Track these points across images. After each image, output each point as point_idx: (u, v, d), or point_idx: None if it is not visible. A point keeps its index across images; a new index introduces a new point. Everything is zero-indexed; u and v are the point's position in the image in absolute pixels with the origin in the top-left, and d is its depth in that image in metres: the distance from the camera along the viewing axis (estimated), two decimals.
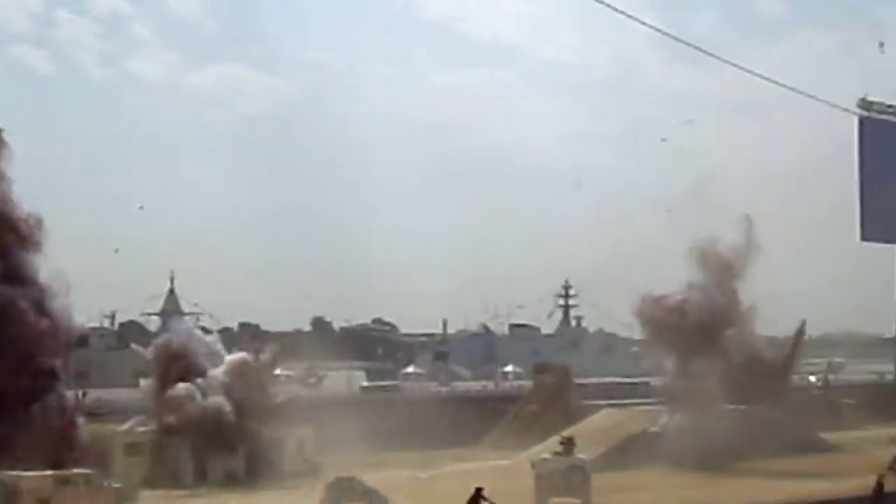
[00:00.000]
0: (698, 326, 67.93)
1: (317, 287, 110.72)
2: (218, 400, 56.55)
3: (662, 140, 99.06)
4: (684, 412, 64.25)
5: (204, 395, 56.89)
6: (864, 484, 43.64)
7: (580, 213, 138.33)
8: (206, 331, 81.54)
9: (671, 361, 68.58)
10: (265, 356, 60.59)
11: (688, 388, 64.83)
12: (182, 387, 56.63)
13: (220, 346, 62.24)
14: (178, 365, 58.32)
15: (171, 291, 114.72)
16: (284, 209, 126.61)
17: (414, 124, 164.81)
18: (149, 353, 62.73)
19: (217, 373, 58.81)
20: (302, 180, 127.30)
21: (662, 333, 69.20)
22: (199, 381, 57.45)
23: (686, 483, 54.14)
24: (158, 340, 62.71)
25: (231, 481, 54.26)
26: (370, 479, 45.01)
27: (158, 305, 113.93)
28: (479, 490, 38.65)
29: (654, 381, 79.35)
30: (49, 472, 44.55)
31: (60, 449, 47.73)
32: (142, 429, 57.32)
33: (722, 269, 68.86)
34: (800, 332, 73.18)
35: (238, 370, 58.70)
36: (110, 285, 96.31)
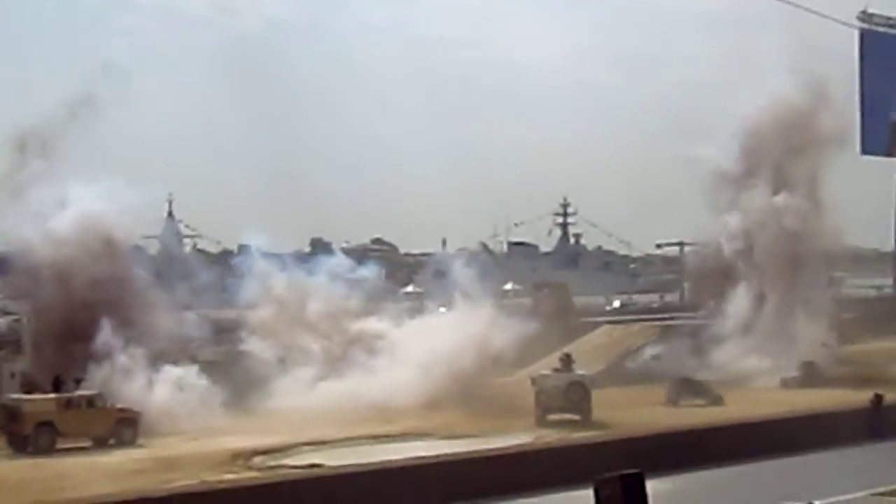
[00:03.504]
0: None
1: (315, 209, 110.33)
2: None
3: None
4: None
5: None
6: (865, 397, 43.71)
7: (579, 130, 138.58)
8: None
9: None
10: None
11: None
12: None
13: None
14: None
15: (170, 214, 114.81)
16: (278, 130, 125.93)
17: (408, 40, 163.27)
18: None
19: None
20: (296, 100, 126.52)
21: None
22: None
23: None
24: None
25: None
26: None
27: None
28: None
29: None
30: (52, 395, 44.83)
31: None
32: None
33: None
34: None
35: None
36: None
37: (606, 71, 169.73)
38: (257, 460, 39.88)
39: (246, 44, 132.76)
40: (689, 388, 54.76)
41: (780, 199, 69.21)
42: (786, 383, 58.81)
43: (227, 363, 54.35)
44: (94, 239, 53.29)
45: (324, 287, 60.47)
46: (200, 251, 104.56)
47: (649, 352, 63.42)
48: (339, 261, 64.36)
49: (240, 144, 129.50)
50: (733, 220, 69.72)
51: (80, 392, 45.41)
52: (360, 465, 32.97)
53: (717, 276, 68.68)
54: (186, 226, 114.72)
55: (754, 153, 71.30)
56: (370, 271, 64.57)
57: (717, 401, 52.93)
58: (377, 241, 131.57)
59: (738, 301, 65.75)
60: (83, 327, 49.99)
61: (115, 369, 49.03)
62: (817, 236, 68.61)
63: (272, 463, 39.52)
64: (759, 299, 66.64)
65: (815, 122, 70.65)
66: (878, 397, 42.48)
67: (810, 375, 59.30)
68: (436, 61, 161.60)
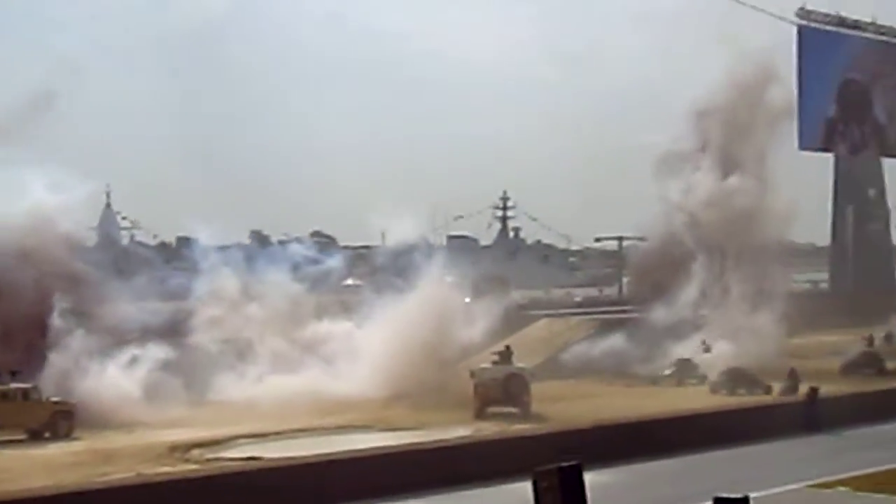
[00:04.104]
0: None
1: (253, 201, 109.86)
2: None
3: None
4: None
5: None
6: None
7: (519, 124, 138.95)
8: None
9: None
10: None
11: None
12: None
13: None
14: None
15: (108, 206, 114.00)
16: (216, 122, 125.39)
17: (349, 32, 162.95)
18: None
19: None
20: (235, 92, 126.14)
21: None
22: None
23: (627, 392, 54.77)
24: None
25: None
26: None
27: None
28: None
29: None
30: None
31: None
32: None
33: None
34: None
35: None
36: None
37: (547, 65, 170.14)
38: (195, 453, 39.68)
39: (185, 34, 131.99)
40: (740, 379, 54.53)
41: (730, 181, 69.92)
42: (655, 382, 57.71)
43: (173, 356, 54.01)
44: (46, 230, 53.25)
45: (270, 280, 60.43)
46: (138, 243, 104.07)
47: (602, 344, 63.04)
48: (287, 252, 64.41)
49: (176, 136, 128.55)
50: (680, 203, 70.33)
51: (15, 384, 45.04)
52: (295, 458, 32.93)
53: (659, 269, 69.06)
54: (124, 217, 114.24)
55: (701, 134, 72.08)
56: (331, 261, 64.78)
57: (768, 391, 52.57)
58: (316, 233, 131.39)
59: (681, 293, 66.06)
60: (37, 319, 49.96)
61: (63, 361, 48.94)
62: (766, 221, 69.33)
63: (210, 455, 39.35)
64: (703, 292, 67.01)
65: (759, 102, 71.63)
66: (814, 390, 42.87)
67: (683, 373, 58.53)
68: (377, 54, 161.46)
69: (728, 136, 71.57)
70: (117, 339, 51.58)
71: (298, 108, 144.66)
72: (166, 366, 51.37)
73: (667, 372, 58.88)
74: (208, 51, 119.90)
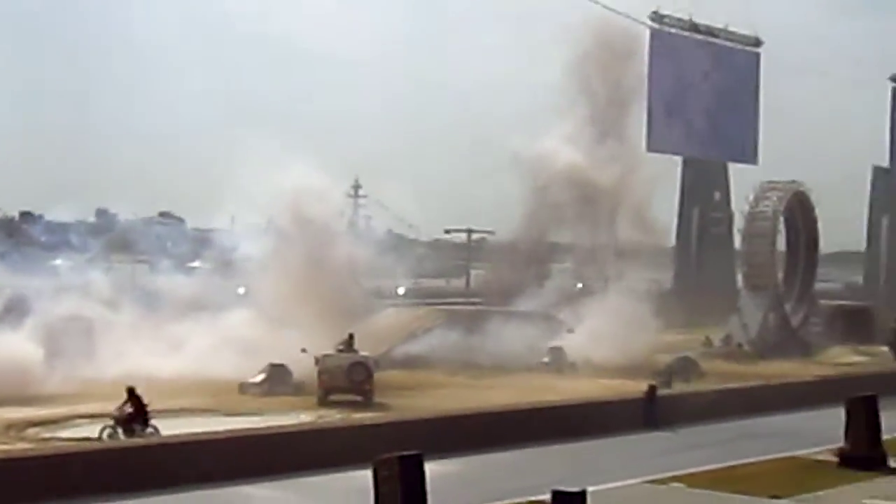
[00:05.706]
0: None
1: (100, 178, 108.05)
2: None
3: None
4: None
5: None
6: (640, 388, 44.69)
7: (372, 113, 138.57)
8: None
9: None
10: None
11: None
12: None
13: None
14: None
15: None
16: (59, 96, 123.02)
17: (196, 12, 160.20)
18: None
19: None
20: (83, 71, 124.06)
21: None
22: None
23: (474, 383, 55.04)
24: None
25: None
26: None
27: None
28: None
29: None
30: None
31: None
32: None
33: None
34: None
35: None
36: None
37: (405, 55, 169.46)
38: (31, 431, 39.07)
39: (35, 11, 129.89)
40: (685, 367, 56.57)
41: (595, 153, 70.87)
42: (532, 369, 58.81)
43: (35, 333, 53.00)
44: None
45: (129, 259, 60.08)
46: None
47: (448, 335, 63.32)
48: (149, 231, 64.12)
49: (21, 111, 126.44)
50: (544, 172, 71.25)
51: None
52: (127, 441, 32.48)
53: (511, 263, 69.71)
54: None
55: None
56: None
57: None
58: (165, 214, 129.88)
59: (532, 287, 66.70)
60: None
61: None
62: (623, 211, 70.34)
63: (46, 435, 38.75)
64: (555, 286, 67.70)
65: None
66: (652, 388, 43.50)
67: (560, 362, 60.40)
68: (230, 36, 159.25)
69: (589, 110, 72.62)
70: None
71: (149, 89, 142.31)
72: (28, 343, 50.82)
73: (545, 360, 60.56)
74: (55, 27, 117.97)
